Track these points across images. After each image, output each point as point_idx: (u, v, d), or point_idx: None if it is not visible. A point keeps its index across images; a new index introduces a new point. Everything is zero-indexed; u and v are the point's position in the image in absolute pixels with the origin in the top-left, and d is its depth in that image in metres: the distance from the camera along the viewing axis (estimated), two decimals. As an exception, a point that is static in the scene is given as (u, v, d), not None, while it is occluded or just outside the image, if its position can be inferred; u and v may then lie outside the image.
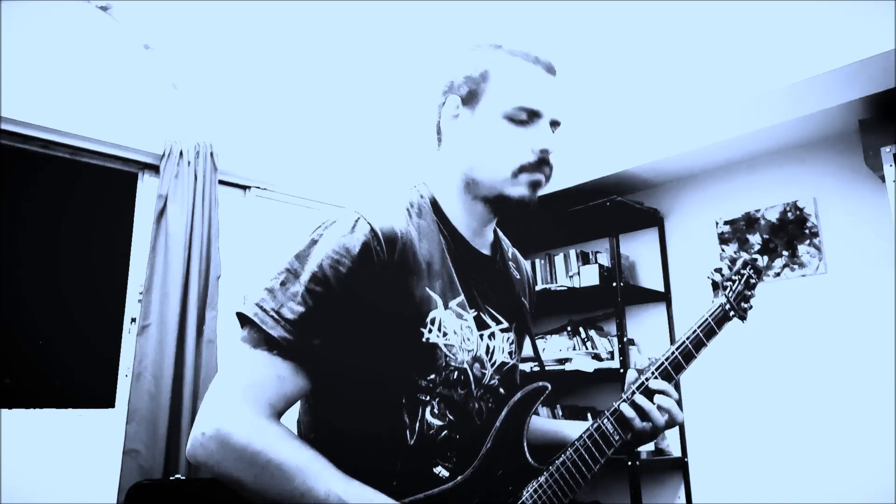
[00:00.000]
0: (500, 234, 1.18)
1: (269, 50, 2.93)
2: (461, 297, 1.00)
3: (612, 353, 3.39)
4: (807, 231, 2.98)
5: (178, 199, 2.90)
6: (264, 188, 3.41)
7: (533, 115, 1.00)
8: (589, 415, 3.39)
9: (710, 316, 1.10)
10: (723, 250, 3.25)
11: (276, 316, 0.87)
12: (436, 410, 0.94)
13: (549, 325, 3.78)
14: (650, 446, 3.09)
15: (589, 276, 3.44)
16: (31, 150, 2.74)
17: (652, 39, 2.74)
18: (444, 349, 0.95)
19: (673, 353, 1.06)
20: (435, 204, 1.05)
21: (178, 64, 2.90)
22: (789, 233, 3.03)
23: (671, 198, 3.52)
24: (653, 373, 1.04)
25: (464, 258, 1.04)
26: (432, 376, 0.94)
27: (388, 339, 0.92)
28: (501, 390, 1.04)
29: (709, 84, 2.66)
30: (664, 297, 3.43)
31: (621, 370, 3.10)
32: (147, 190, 3.03)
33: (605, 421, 1.02)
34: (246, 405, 0.84)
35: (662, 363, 1.05)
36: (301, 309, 0.87)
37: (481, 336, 1.02)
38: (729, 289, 1.13)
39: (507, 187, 1.00)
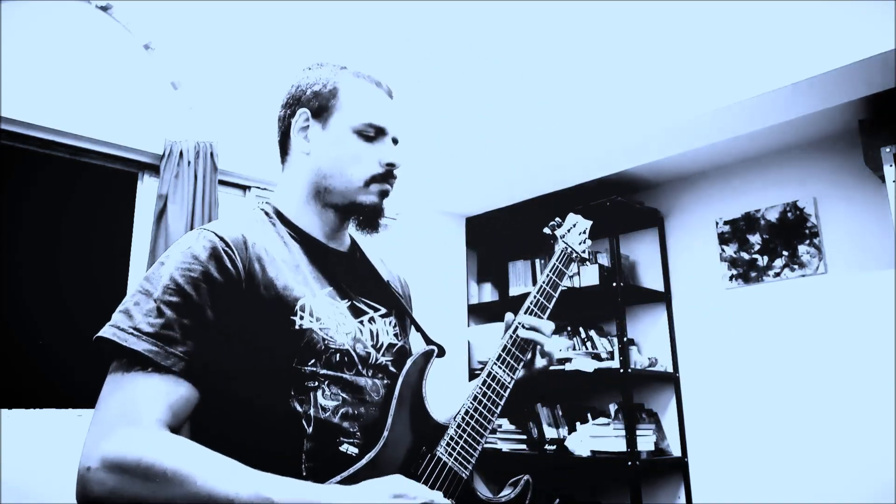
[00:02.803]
0: (358, 241, 1.23)
1: (270, 50, 2.93)
2: (329, 289, 1.03)
3: (612, 353, 3.39)
4: (807, 231, 2.98)
5: (178, 199, 2.90)
6: (264, 188, 3.41)
7: (379, 132, 1.09)
8: (589, 415, 3.39)
9: (557, 261, 1.30)
10: (723, 250, 3.25)
11: (135, 332, 0.85)
12: (327, 392, 0.95)
13: (549, 325, 3.78)
14: (650, 446, 3.09)
15: (589, 276, 3.44)
16: (31, 150, 2.73)
17: (652, 39, 2.74)
18: (321, 333, 0.96)
19: (536, 296, 1.24)
20: (280, 214, 1.09)
21: (178, 64, 2.90)
22: (789, 233, 3.03)
23: (671, 198, 3.52)
24: (525, 312, 1.21)
25: (322, 256, 1.08)
26: (312, 361, 0.95)
27: (260, 333, 0.92)
28: (393, 369, 1.07)
29: (709, 84, 2.66)
30: (664, 297, 3.43)
31: (621, 370, 3.10)
32: (147, 190, 3.03)
33: (494, 366, 1.14)
34: (128, 426, 0.80)
35: (529, 307, 1.22)
36: (159, 321, 0.86)
37: (361, 322, 1.05)
38: (566, 236, 1.35)
39: (360, 195, 1.07)
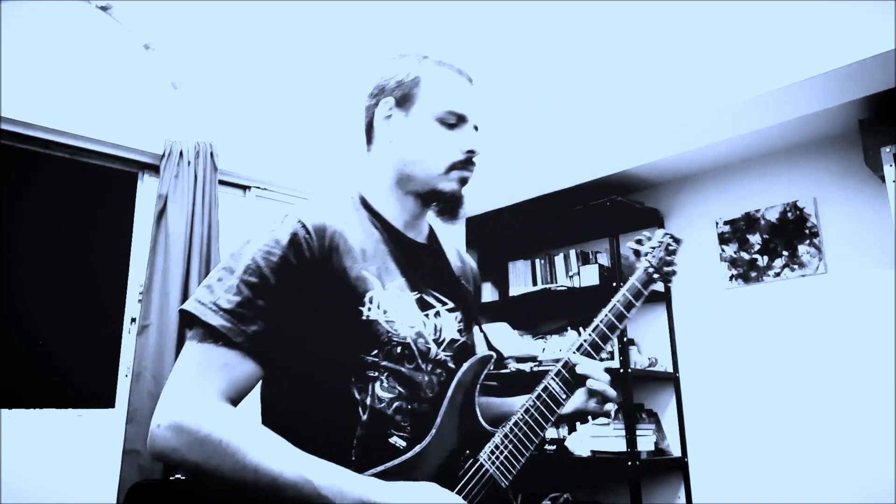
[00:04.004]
0: (436, 228, 1.25)
1: (270, 50, 2.93)
2: (400, 280, 1.05)
3: (612, 353, 3.39)
4: (807, 231, 2.98)
5: (178, 199, 2.90)
6: (264, 188, 3.41)
7: (460, 119, 1.10)
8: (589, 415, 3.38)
9: (636, 279, 1.24)
10: (723, 250, 3.25)
11: (213, 307, 0.91)
12: (385, 384, 0.98)
13: (549, 325, 3.78)
14: (650, 446, 3.09)
15: (589, 276, 3.44)
16: (31, 150, 2.74)
17: (652, 39, 2.74)
18: (385, 325, 0.99)
19: (606, 315, 1.19)
20: (364, 201, 1.12)
21: (178, 64, 2.90)
22: (789, 233, 3.04)
23: (671, 198, 3.52)
24: (590, 334, 1.16)
25: (399, 246, 1.10)
26: (375, 352, 0.98)
27: (329, 320, 0.96)
28: (452, 365, 1.08)
29: (709, 84, 2.66)
30: (664, 297, 3.43)
31: (621, 370, 3.10)
32: (147, 190, 3.03)
33: (552, 381, 1.12)
34: (196, 393, 0.88)
35: (598, 325, 1.17)
36: (237, 298, 0.91)
37: (427, 315, 1.07)
38: (651, 254, 1.28)
39: (440, 182, 1.09)
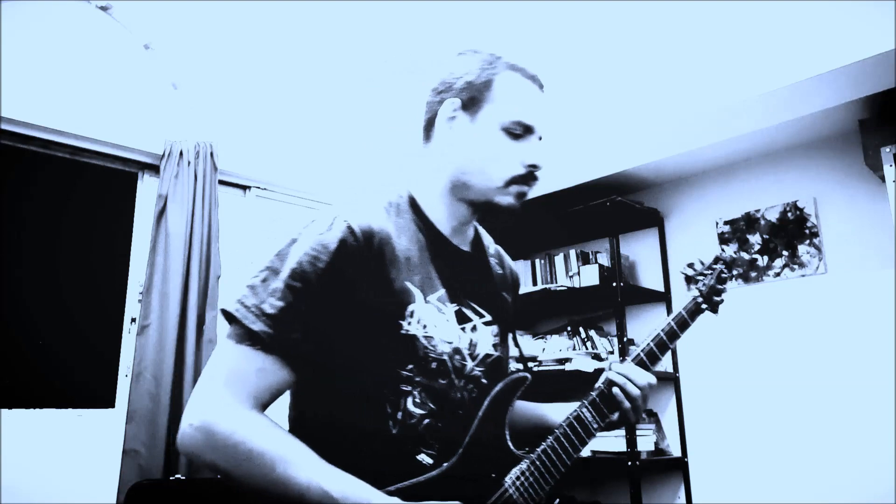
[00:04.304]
0: (481, 230, 1.20)
1: (270, 50, 2.93)
2: (441, 292, 1.02)
3: (612, 353, 3.39)
4: (807, 231, 2.98)
5: (178, 199, 2.90)
6: (264, 188, 3.41)
7: (527, 131, 1.05)
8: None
9: (683, 309, 1.15)
10: (723, 250, 3.24)
11: (256, 311, 0.90)
12: (417, 400, 0.96)
13: (549, 325, 3.78)
14: (650, 446, 3.09)
15: (589, 276, 3.44)
16: (31, 150, 2.74)
17: (652, 39, 2.74)
18: (424, 340, 0.97)
19: (648, 343, 1.12)
20: (413, 202, 1.07)
21: (178, 64, 2.90)
22: (789, 233, 3.03)
23: (671, 198, 3.52)
24: (632, 359, 1.11)
25: (443, 254, 1.06)
26: (411, 367, 0.96)
27: (368, 331, 0.94)
28: (484, 381, 1.06)
29: (709, 84, 2.66)
30: (664, 297, 3.43)
31: (621, 370, 3.10)
32: (147, 190, 3.03)
33: (584, 409, 1.08)
34: (230, 397, 0.87)
35: (638, 354, 1.12)
36: (281, 304, 0.90)
37: (463, 329, 1.04)
38: (702, 282, 1.19)
39: (498, 195, 1.04)
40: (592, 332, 3.54)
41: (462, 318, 1.04)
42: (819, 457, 2.78)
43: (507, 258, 1.28)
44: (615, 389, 1.09)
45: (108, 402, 2.78)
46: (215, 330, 2.89)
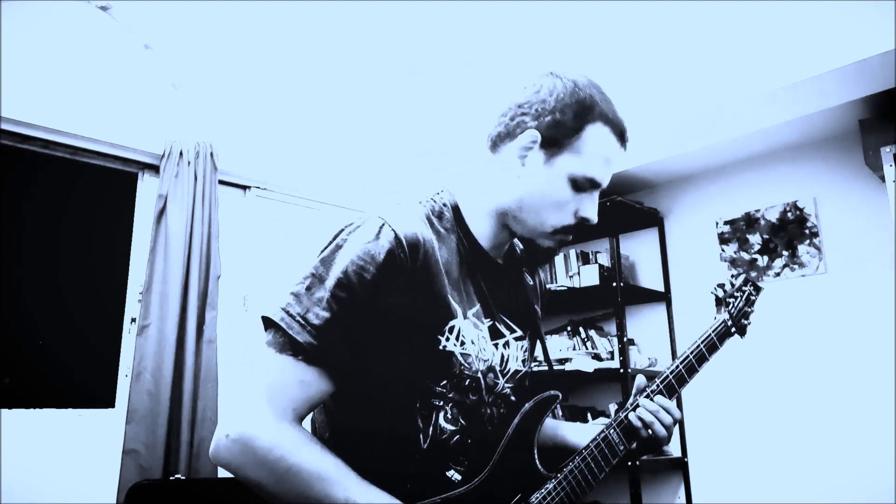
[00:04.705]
0: (515, 241, 1.17)
1: (269, 50, 2.93)
2: (477, 307, 1.01)
3: (612, 353, 3.39)
4: (807, 231, 2.98)
5: (178, 199, 2.90)
6: (264, 188, 3.41)
7: (593, 186, 1.02)
8: (589, 415, 3.39)
9: (712, 331, 1.13)
10: (723, 250, 3.25)
11: (301, 321, 0.88)
12: (448, 415, 0.96)
13: (549, 325, 3.78)
14: (650, 446, 3.09)
15: (589, 276, 3.44)
16: (31, 150, 2.73)
17: (652, 39, 2.74)
18: (461, 358, 0.96)
19: (677, 366, 1.09)
20: (457, 211, 1.05)
21: (178, 64, 2.90)
22: (789, 233, 3.03)
23: (671, 198, 3.52)
24: (658, 385, 1.08)
25: (480, 267, 1.04)
26: (444, 382, 0.96)
27: (407, 346, 0.93)
28: (513, 398, 1.05)
29: (709, 84, 2.66)
30: (664, 297, 3.43)
31: (621, 370, 3.10)
32: (147, 190, 3.03)
33: (612, 431, 1.06)
34: (269, 409, 0.85)
35: (667, 376, 1.08)
36: (326, 315, 0.88)
37: (496, 345, 1.03)
38: (732, 305, 1.16)
39: (542, 239, 1.03)
40: (592, 332, 3.54)
41: (495, 334, 1.04)
42: (819, 457, 2.78)
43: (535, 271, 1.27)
44: (648, 418, 1.06)
45: (108, 401, 2.78)
46: (215, 330, 2.89)
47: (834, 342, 2.81)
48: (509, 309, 1.08)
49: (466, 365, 0.97)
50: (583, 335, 3.55)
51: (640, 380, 1.11)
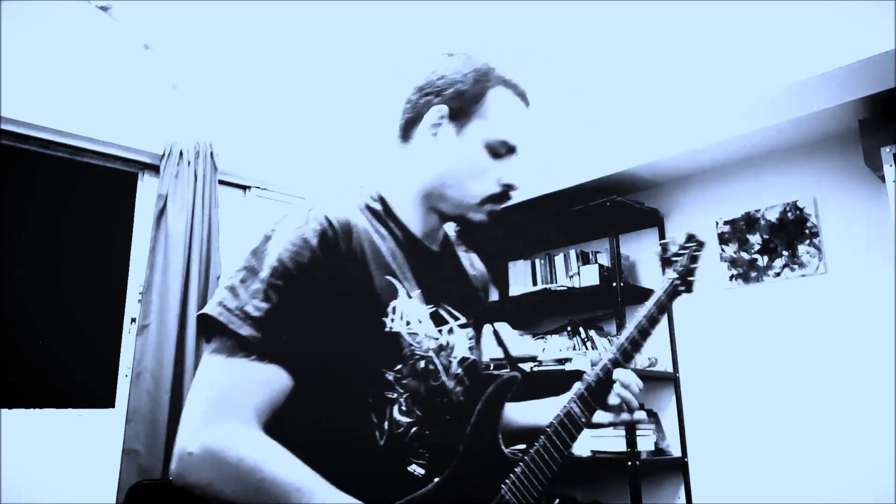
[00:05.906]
0: (449, 231, 1.18)
1: (270, 50, 2.93)
2: (418, 291, 1.00)
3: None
4: (807, 231, 2.98)
5: (178, 199, 2.90)
6: (264, 188, 3.41)
7: (510, 150, 1.03)
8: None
9: (663, 292, 1.15)
10: (723, 250, 3.25)
11: (240, 314, 0.84)
12: (403, 408, 0.93)
13: (549, 325, 3.78)
14: (650, 446, 3.09)
15: (589, 276, 3.44)
16: (31, 150, 2.74)
17: (652, 39, 2.74)
18: (408, 337, 0.94)
19: (631, 332, 1.11)
20: (384, 203, 1.05)
21: (177, 64, 2.90)
22: (789, 233, 3.03)
23: (671, 198, 3.52)
24: (614, 353, 1.09)
25: (416, 254, 1.03)
26: (398, 367, 0.93)
27: (352, 330, 0.90)
28: (466, 381, 1.04)
29: (709, 84, 2.66)
30: (664, 297, 3.42)
31: (621, 370, 3.10)
32: (147, 190, 3.03)
33: (573, 404, 1.05)
34: (231, 417, 0.80)
35: (622, 343, 1.10)
36: (265, 305, 0.84)
37: (440, 331, 1.01)
38: (678, 263, 1.19)
39: (471, 212, 1.04)
40: (592, 332, 3.54)
41: (438, 321, 1.02)
42: (819, 457, 2.78)
43: (475, 258, 1.26)
44: (617, 386, 1.08)
45: (108, 402, 2.78)
46: (215, 330, 2.88)
47: (834, 342, 2.81)
48: (451, 296, 1.07)
49: (416, 344, 0.94)
50: (583, 335, 3.55)
51: (594, 354, 1.13)
